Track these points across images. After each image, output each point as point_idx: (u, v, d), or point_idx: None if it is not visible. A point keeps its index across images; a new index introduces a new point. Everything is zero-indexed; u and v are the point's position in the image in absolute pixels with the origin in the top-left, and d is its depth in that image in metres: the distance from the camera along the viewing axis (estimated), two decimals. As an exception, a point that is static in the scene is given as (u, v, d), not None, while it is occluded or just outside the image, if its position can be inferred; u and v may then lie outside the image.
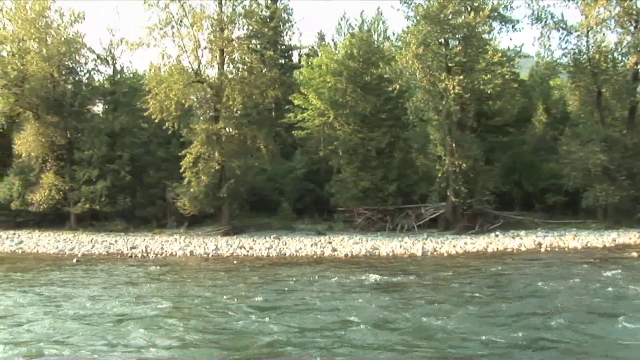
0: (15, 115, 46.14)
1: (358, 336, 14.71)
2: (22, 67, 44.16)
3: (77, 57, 48.08)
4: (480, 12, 35.27)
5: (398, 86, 37.13)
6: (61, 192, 44.97)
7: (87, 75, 49.59)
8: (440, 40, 36.86)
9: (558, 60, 40.87)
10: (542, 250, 30.74)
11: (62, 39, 45.91)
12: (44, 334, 15.65)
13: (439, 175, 36.88)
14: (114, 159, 45.19)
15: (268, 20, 44.71)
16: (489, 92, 35.24)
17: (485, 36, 37.59)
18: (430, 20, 35.61)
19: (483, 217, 37.63)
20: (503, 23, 37.58)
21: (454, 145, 36.34)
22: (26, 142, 44.42)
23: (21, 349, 14.25)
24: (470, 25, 35.52)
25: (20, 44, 45.58)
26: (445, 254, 30.60)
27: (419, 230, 38.29)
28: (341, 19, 57.61)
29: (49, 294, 21.72)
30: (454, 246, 32.09)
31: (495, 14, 36.75)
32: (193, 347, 14.29)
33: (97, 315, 17.68)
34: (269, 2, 49.15)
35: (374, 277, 23.45)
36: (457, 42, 36.92)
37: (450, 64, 36.24)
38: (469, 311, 16.97)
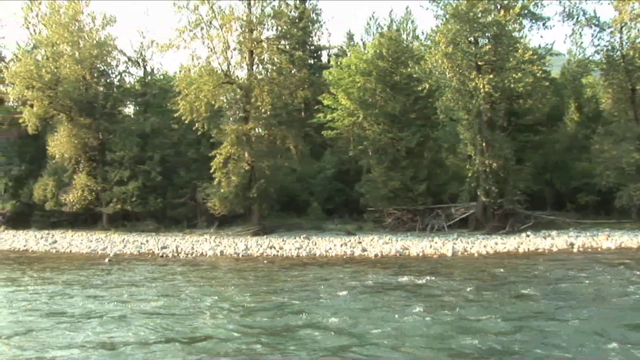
0: (49, 117, 46.93)
1: (380, 337, 14.69)
2: (55, 70, 45.04)
3: (109, 60, 49.03)
4: (511, 10, 34.89)
5: (427, 85, 36.89)
6: (93, 193, 45.70)
7: (118, 77, 50.63)
8: (469, 39, 36.56)
9: (590, 58, 40.20)
10: (575, 250, 30.29)
11: (94, 42, 46.77)
12: (67, 332, 16.00)
13: (469, 174, 36.63)
14: (145, 160, 45.76)
15: (297, 20, 44.75)
16: (519, 90, 34.83)
17: (516, 34, 37.09)
18: (459, 19, 35.35)
19: (514, 217, 37.21)
20: (534, 21, 37.10)
21: (484, 144, 36.03)
22: (60, 144, 45.26)
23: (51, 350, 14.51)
24: (500, 23, 35.16)
25: (54, 48, 46.44)
26: (476, 254, 30.36)
27: (449, 230, 38.03)
28: (370, 19, 57.38)
29: (82, 292, 22.04)
30: (484, 246, 31.81)
31: (526, 11, 36.31)
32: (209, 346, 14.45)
33: (132, 314, 17.89)
34: (298, 2, 49.19)
35: (402, 278, 23.39)
36: (487, 40, 36.51)
37: (480, 63, 35.92)
38: (497, 313, 16.82)
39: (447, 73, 36.05)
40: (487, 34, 36.46)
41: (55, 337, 15.53)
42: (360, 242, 34.68)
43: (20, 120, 45.32)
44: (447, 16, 36.32)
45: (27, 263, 32.72)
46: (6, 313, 18.77)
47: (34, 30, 50.22)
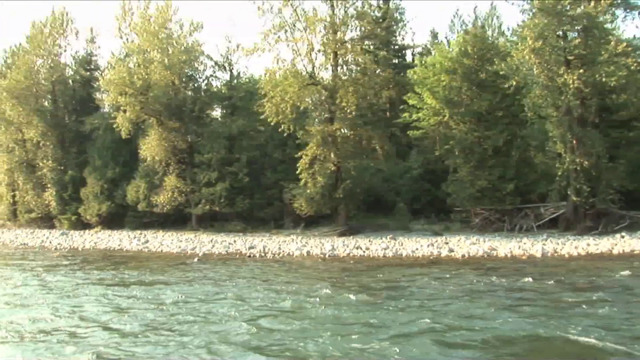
0: (141, 121, 48.80)
1: (474, 341, 14.55)
2: (146, 77, 46.93)
3: (196, 65, 50.63)
4: (602, 1, 33.65)
5: (514, 82, 35.94)
6: (183, 194, 47.17)
7: (205, 81, 52.03)
8: (558, 33, 35.44)
9: (692, 46, 38.20)
10: (676, 252, 28.94)
11: (182, 48, 48.36)
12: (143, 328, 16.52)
13: (559, 173, 35.45)
14: (232, 162, 46.78)
15: (380, 20, 44.63)
16: (612, 84, 33.45)
17: (608, 25, 35.75)
18: (547, 13, 34.34)
19: (607, 217, 35.87)
20: (628, 10, 35.65)
21: (574, 142, 34.92)
22: (150, 147, 47.03)
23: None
24: (590, 15, 33.89)
25: (145, 55, 48.36)
26: (567, 256, 29.53)
27: (538, 230, 37.03)
28: (454, 16, 56.38)
29: (174, 291, 22.72)
30: (575, 247, 30.83)
31: (619, 1, 34.95)
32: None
33: (228, 316, 18.38)
34: (381, 2, 49.00)
35: (492, 279, 23.06)
36: (577, 33, 35.37)
37: (569, 57, 34.78)
38: (597, 318, 16.34)
39: (534, 69, 35.06)
40: (576, 27, 35.18)
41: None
42: (447, 243, 34.29)
43: (114, 125, 47.24)
44: (534, 10, 35.32)
45: (123, 262, 34.00)
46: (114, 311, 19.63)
47: (127, 39, 52.30)
